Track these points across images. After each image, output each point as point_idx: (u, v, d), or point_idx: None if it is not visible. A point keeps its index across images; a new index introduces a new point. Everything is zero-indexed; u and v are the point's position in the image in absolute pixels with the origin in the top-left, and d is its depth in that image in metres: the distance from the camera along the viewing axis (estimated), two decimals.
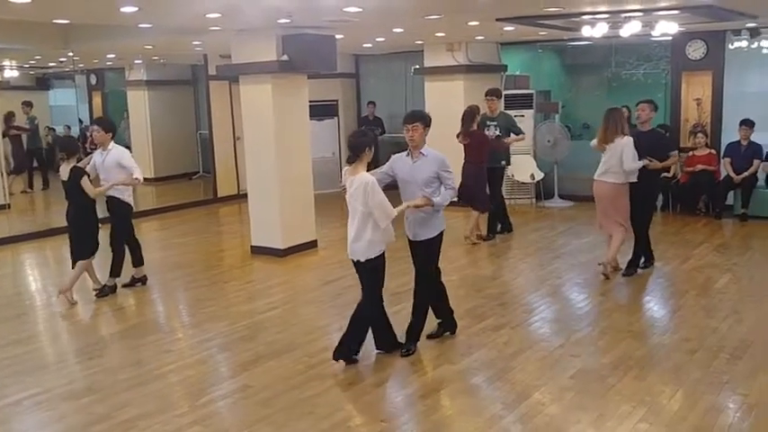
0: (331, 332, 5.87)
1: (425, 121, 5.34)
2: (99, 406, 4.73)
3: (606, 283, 7.21)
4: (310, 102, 9.17)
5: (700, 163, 10.34)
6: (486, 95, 9.40)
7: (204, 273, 8.28)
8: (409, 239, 5.46)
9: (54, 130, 17.04)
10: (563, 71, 13.84)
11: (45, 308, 7.06)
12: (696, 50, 10.74)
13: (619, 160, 6.96)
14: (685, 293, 6.90)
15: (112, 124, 7.63)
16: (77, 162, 6.94)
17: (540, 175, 11.62)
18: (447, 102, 11.39)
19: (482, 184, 8.94)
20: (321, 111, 12.71)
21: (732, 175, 10.11)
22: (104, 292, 7.24)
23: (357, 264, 5.19)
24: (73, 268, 6.99)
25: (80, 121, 17.18)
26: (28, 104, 14.79)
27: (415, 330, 5.53)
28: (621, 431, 4.19)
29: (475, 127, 8.77)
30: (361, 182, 5.00)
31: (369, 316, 5.26)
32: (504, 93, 11.71)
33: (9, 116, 13.16)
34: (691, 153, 10.53)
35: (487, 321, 6.18)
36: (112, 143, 7.23)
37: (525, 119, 11.52)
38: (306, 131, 9.05)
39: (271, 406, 4.67)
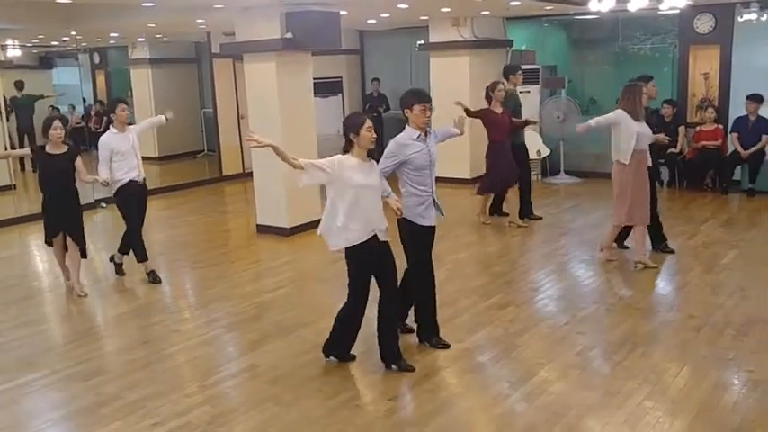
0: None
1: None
2: (108, 386, 4.77)
3: (612, 261, 7.18)
4: (314, 79, 9.12)
5: (707, 138, 10.27)
6: (517, 72, 9.19)
7: (210, 252, 8.30)
8: (427, 226, 5.06)
9: (58, 109, 17.00)
10: (569, 46, 13.71)
11: (52, 289, 7.10)
12: (704, 24, 10.61)
13: (615, 135, 6.78)
14: (691, 270, 6.90)
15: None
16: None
17: (546, 152, 11.57)
18: (452, 78, 11.33)
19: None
20: (325, 88, 12.65)
21: (740, 150, 10.05)
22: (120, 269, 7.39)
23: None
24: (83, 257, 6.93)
25: (83, 100, 17.15)
26: (18, 85, 14.62)
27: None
28: (627, 408, 4.21)
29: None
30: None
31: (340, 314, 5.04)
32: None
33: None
34: (698, 128, 10.46)
35: (493, 299, 6.20)
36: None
37: (531, 95, 11.44)
38: (311, 109, 9.01)
39: (278, 385, 4.70)
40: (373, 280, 4.83)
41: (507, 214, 9.14)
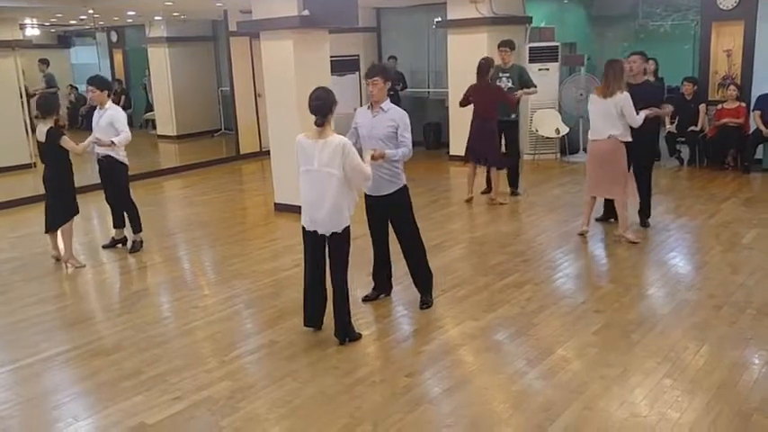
0: (355, 288, 5.87)
1: (386, 74, 5.24)
2: (129, 361, 4.83)
3: (637, 243, 7.10)
4: (331, 57, 9.07)
5: (728, 116, 10.13)
6: (499, 47, 9.27)
7: (228, 230, 8.35)
8: (371, 196, 5.35)
9: (77, 88, 17.11)
10: (589, 23, 13.53)
11: (71, 266, 7.16)
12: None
13: (619, 116, 6.75)
14: (711, 249, 6.83)
15: (107, 82, 7.67)
16: (56, 123, 6.88)
17: (564, 130, 11.48)
18: (470, 55, 11.21)
19: (493, 141, 8.68)
20: (342, 66, 12.58)
21: (762, 128, 9.90)
22: (135, 247, 7.51)
23: (330, 237, 4.83)
24: (47, 233, 7.24)
25: None
26: (44, 62, 14.79)
27: (424, 285, 5.58)
28: (645, 387, 4.20)
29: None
30: (336, 144, 4.66)
31: (345, 287, 4.99)
32: (529, 45, 11.57)
33: None
34: (720, 106, 10.31)
35: (510, 278, 6.18)
36: (110, 102, 7.20)
37: (550, 72, 11.33)
38: None
39: (296, 361, 4.74)
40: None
41: (519, 193, 9.17)
